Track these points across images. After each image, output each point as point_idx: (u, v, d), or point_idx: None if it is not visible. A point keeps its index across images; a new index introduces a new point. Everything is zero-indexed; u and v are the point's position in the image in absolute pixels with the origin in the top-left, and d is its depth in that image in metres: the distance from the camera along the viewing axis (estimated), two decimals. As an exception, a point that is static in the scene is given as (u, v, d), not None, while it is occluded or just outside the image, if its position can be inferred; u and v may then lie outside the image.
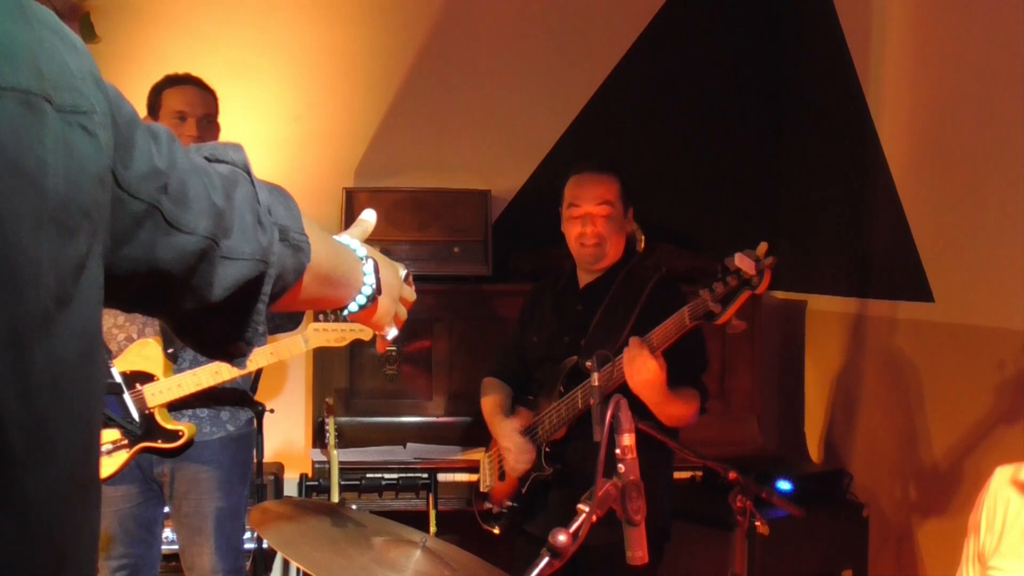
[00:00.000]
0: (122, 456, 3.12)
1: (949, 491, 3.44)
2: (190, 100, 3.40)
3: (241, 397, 3.33)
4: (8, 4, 0.69)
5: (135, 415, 2.77)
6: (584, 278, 3.25)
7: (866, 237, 4.13)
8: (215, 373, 3.10)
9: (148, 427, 3.10)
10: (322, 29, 4.66)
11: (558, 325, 3.25)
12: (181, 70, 4.53)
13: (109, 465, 3.12)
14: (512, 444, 3.17)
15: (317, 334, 3.17)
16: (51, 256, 0.66)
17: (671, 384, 2.92)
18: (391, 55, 4.70)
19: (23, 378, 0.64)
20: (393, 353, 4.31)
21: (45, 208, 0.66)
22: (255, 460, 3.39)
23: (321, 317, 3.19)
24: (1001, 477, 2.28)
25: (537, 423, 3.14)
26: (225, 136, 4.60)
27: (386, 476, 3.87)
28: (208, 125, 3.43)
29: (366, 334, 3.16)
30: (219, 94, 4.59)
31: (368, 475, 3.88)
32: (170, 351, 3.15)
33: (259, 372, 3.57)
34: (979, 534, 2.28)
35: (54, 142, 0.68)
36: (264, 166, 4.80)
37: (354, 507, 3.17)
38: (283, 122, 4.65)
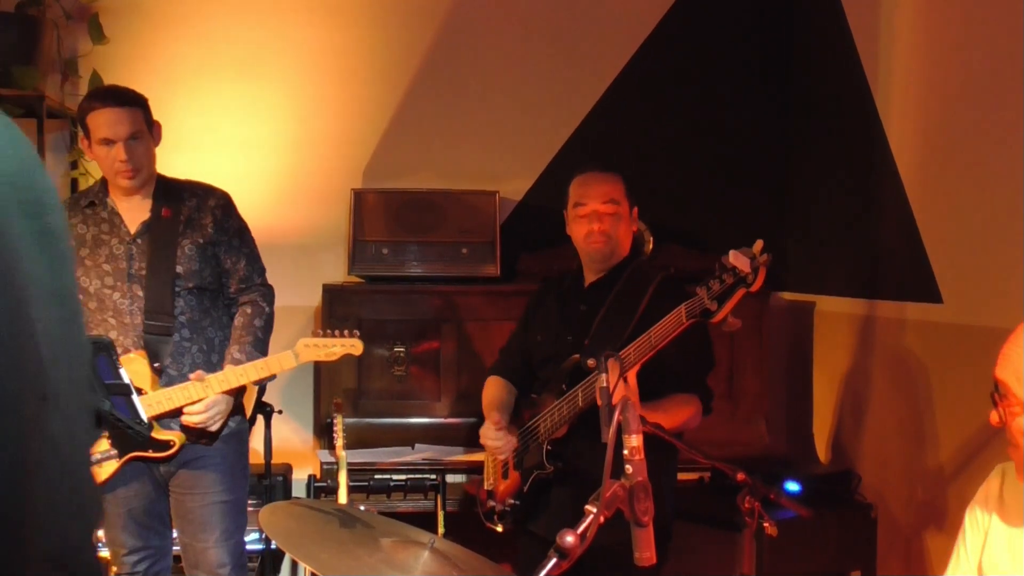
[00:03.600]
0: (112, 465, 3.18)
1: (958, 492, 3.43)
2: (112, 124, 3.26)
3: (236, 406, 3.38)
4: None
5: (143, 416, 2.78)
6: (589, 277, 3.26)
7: (874, 238, 4.13)
8: (205, 387, 3.15)
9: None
10: (330, 30, 4.66)
11: (562, 324, 3.26)
12: (190, 70, 4.57)
13: (100, 474, 3.19)
14: (489, 438, 3.22)
15: (307, 349, 3.23)
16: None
17: (658, 393, 2.96)
18: (399, 56, 4.71)
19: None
20: (401, 354, 4.32)
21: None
22: (259, 459, 3.41)
23: (312, 332, 3.27)
24: (997, 476, 2.28)
25: (539, 421, 3.15)
26: (231, 136, 4.62)
27: (394, 477, 3.88)
28: (136, 142, 3.28)
29: (356, 349, 3.23)
30: (227, 95, 4.62)
31: (376, 476, 3.89)
32: (155, 365, 3.21)
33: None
34: (973, 522, 2.29)
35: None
36: (272, 167, 4.87)
37: (362, 508, 3.17)
38: (291, 123, 4.66)
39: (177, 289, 3.31)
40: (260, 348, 3.34)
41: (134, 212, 3.37)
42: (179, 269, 3.31)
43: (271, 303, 3.45)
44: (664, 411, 2.96)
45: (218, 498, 3.34)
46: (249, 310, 3.38)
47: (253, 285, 3.43)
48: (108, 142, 3.26)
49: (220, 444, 3.32)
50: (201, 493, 3.33)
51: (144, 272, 3.30)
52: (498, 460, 3.33)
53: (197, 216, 3.36)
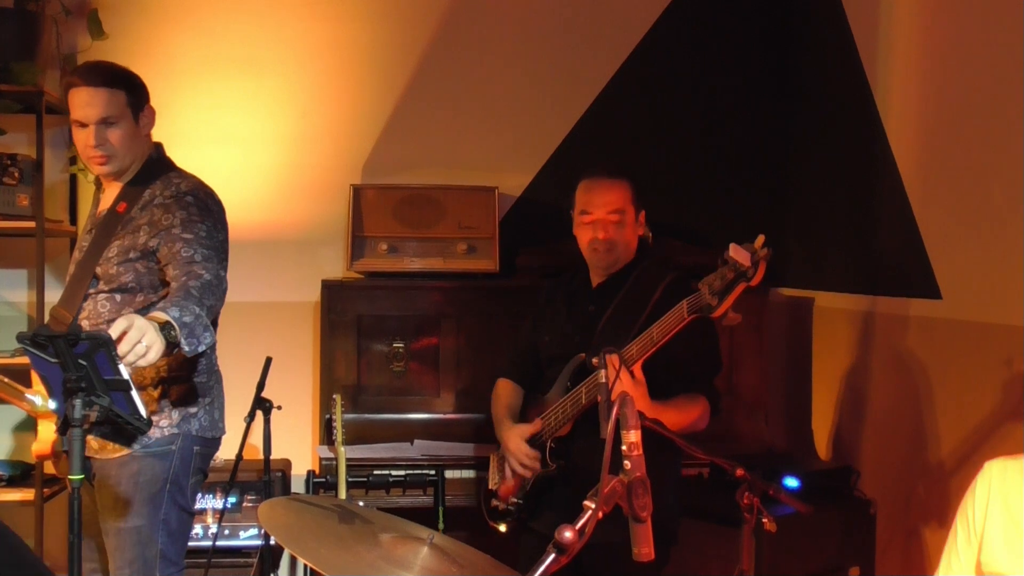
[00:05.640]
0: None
1: (957, 488, 3.43)
2: (83, 105, 2.97)
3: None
4: None
5: (143, 412, 2.76)
6: (596, 279, 3.25)
7: (874, 234, 4.12)
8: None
9: None
10: (329, 25, 4.66)
11: (569, 324, 3.25)
12: (189, 66, 4.56)
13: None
14: (514, 449, 3.18)
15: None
16: None
17: (668, 393, 2.95)
18: (399, 51, 4.70)
19: None
20: (400, 350, 4.32)
21: None
22: (258, 455, 3.23)
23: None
24: (987, 476, 2.29)
25: (543, 420, 3.14)
26: (230, 132, 4.61)
27: (393, 473, 3.88)
28: (111, 127, 2.99)
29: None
30: (226, 91, 4.61)
31: (375, 472, 3.89)
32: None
33: (266, 368, 3.57)
34: (965, 526, 2.30)
35: None
36: (271, 163, 4.86)
37: (361, 504, 3.17)
38: (290, 118, 4.66)
39: (91, 291, 3.01)
40: (196, 304, 2.65)
41: (105, 203, 3.13)
42: (98, 270, 3.00)
43: (214, 275, 2.82)
44: (675, 409, 2.95)
45: (113, 523, 2.99)
46: (183, 276, 2.80)
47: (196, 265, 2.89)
48: (80, 124, 2.99)
49: (115, 468, 3.00)
50: (101, 511, 3.02)
51: (73, 270, 3.08)
52: (503, 460, 3.32)
53: (138, 215, 3.02)
